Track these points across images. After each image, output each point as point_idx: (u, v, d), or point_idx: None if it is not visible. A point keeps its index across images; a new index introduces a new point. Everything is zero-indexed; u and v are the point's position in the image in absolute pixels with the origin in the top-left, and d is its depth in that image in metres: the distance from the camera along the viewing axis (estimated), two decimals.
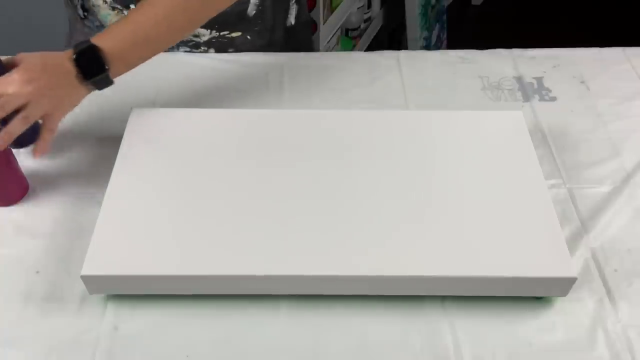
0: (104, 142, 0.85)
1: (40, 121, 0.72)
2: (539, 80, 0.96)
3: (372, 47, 2.04)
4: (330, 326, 0.67)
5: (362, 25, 1.95)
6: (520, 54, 1.00)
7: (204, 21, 0.79)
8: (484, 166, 0.76)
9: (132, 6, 0.91)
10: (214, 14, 0.79)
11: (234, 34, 0.96)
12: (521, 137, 0.79)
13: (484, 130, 0.81)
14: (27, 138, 0.74)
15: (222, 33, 0.96)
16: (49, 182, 0.80)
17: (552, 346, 0.65)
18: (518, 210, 0.71)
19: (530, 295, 0.69)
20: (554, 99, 0.93)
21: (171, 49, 0.96)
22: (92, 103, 0.90)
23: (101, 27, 0.95)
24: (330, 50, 1.77)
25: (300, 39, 1.05)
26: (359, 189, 0.73)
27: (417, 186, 0.73)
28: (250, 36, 0.97)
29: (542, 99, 0.93)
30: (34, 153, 0.72)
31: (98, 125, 0.87)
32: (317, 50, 1.54)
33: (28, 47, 1.17)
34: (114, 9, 0.93)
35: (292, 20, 1.01)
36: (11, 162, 0.76)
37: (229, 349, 0.65)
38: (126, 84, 0.94)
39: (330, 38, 1.74)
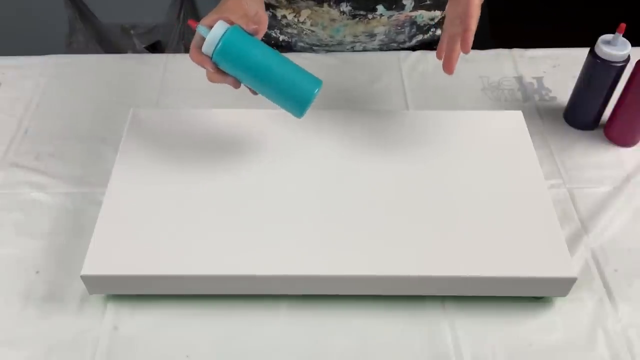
0: (104, 142, 0.85)
1: None
2: (539, 80, 0.96)
3: None
4: (330, 326, 0.67)
5: None
6: (520, 54, 1.00)
7: None
8: (484, 166, 0.76)
9: None
10: None
11: None
12: (521, 137, 0.79)
13: (484, 130, 0.81)
14: None
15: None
16: (49, 182, 0.80)
17: (552, 346, 0.65)
18: (518, 210, 0.71)
19: (530, 295, 0.69)
20: (554, 99, 0.93)
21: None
22: (92, 103, 0.91)
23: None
24: None
25: None
26: (359, 189, 0.72)
27: (417, 186, 0.73)
28: None
29: (542, 99, 0.93)
30: None
31: (98, 125, 0.87)
32: None
33: (28, 47, 1.17)
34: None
35: None
36: None
37: (229, 349, 0.65)
38: (127, 84, 0.94)
39: None
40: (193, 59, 0.67)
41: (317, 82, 0.68)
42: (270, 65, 0.66)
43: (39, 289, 0.69)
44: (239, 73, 0.67)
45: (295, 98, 0.67)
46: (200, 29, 0.66)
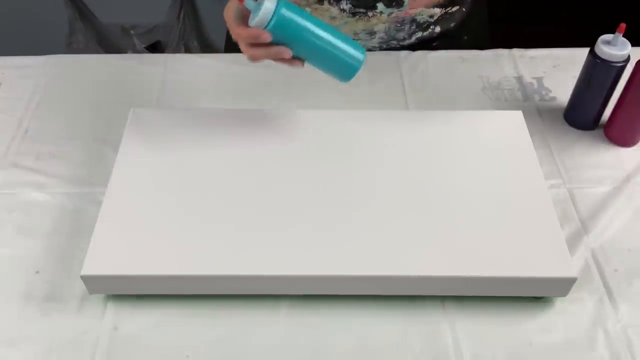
0: (104, 142, 0.85)
1: None
2: (539, 80, 0.96)
3: None
4: (330, 326, 0.67)
5: None
6: (520, 54, 1.00)
7: None
8: (484, 166, 0.76)
9: None
10: None
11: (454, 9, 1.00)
12: (521, 137, 0.79)
13: (484, 130, 0.81)
14: None
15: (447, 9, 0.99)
16: (49, 182, 0.80)
17: (552, 346, 0.65)
18: (518, 210, 0.71)
19: (530, 295, 0.69)
20: (553, 99, 0.93)
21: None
22: (92, 103, 0.91)
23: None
24: None
25: None
26: (359, 189, 0.73)
27: (417, 186, 0.73)
28: (465, 8, 1.01)
29: (542, 99, 0.93)
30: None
31: (98, 125, 0.87)
32: None
33: (28, 47, 1.17)
34: None
35: None
36: None
37: (229, 349, 0.65)
38: (127, 84, 0.94)
39: None
40: (241, 35, 0.66)
41: (362, 49, 0.71)
42: (322, 33, 0.68)
43: (39, 289, 0.69)
44: (295, 42, 0.67)
45: (346, 64, 0.71)
46: (248, 2, 0.65)
